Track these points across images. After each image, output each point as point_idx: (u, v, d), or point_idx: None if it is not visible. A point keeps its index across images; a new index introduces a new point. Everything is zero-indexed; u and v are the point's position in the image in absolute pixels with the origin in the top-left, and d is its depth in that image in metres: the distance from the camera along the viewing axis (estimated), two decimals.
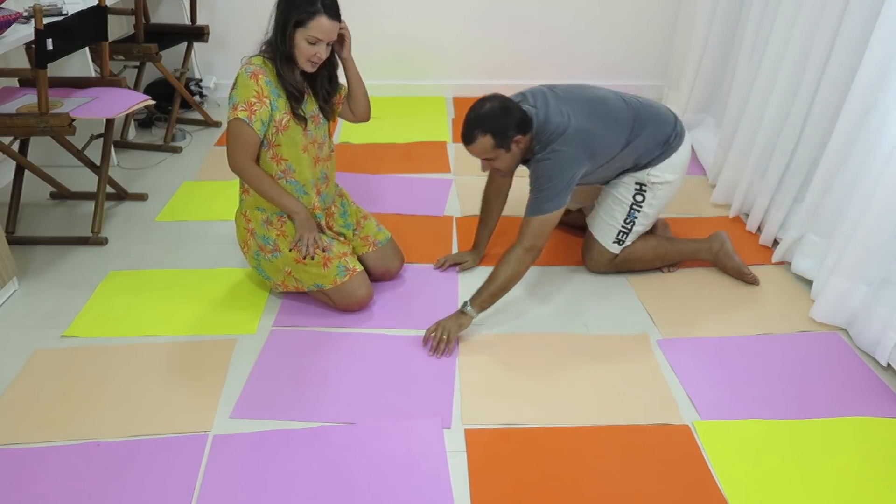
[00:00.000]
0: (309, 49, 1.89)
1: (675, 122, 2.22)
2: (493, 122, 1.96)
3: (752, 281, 2.33)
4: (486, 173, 2.29)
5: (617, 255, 2.29)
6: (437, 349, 1.97)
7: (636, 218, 2.23)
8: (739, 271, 2.34)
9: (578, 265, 2.42)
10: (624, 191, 2.22)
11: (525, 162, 2.12)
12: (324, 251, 2.05)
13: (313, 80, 2.05)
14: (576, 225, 2.57)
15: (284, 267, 2.10)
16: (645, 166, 2.19)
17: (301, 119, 2.00)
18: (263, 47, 1.97)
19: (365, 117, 2.20)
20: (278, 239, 2.08)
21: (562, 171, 2.00)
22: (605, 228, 2.27)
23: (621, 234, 2.25)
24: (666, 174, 2.19)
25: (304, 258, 2.02)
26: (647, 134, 2.15)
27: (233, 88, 1.95)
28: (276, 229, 2.08)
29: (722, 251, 2.35)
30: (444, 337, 1.98)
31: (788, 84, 2.41)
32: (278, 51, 1.92)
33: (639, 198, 2.21)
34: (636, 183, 2.21)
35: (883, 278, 2.01)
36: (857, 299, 2.06)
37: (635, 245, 2.30)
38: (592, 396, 1.85)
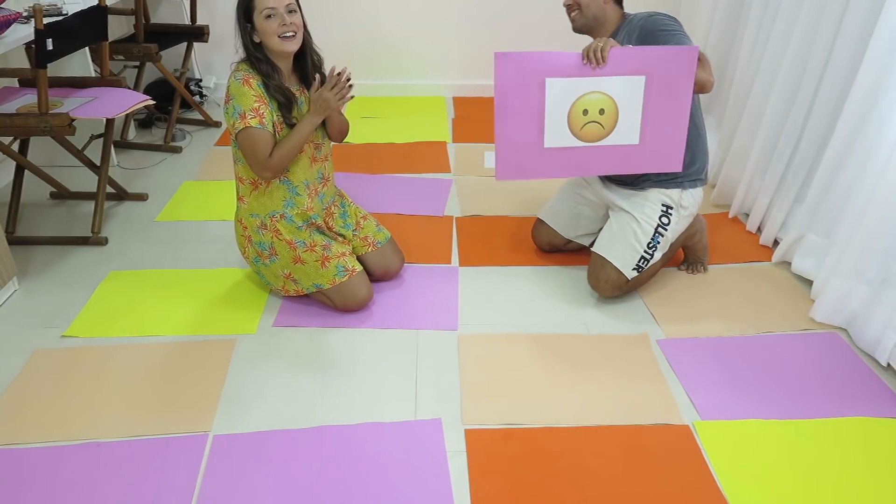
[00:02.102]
0: (271, 25, 1.88)
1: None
2: None
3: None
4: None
5: (630, 281, 2.19)
6: (591, 57, 1.89)
7: (658, 243, 2.15)
8: (699, 263, 2.39)
9: (578, 265, 2.42)
10: (650, 212, 2.15)
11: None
12: (348, 80, 1.98)
13: (304, 77, 2.05)
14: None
15: (283, 270, 2.10)
16: (680, 181, 2.16)
17: (289, 124, 2.00)
18: (246, 59, 1.97)
19: (337, 141, 2.21)
20: (274, 242, 2.07)
21: (678, 25, 2.00)
22: (626, 254, 2.16)
23: (642, 260, 2.16)
24: (691, 202, 2.18)
25: (348, 84, 1.97)
26: (702, 132, 2.18)
27: (229, 100, 1.94)
28: (271, 231, 2.07)
29: (700, 243, 2.34)
30: (600, 45, 1.89)
31: (788, 84, 2.41)
32: (256, 60, 1.93)
33: (664, 220, 2.15)
34: (663, 205, 2.15)
35: (883, 278, 2.01)
36: (857, 299, 2.06)
37: None
38: (592, 396, 1.85)
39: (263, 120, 1.91)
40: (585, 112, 1.99)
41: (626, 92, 1.96)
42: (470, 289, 2.31)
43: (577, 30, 2.18)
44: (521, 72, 1.97)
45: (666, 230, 2.16)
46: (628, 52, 1.92)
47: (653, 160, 2.04)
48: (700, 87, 1.96)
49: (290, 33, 1.92)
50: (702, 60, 1.94)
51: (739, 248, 2.57)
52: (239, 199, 2.12)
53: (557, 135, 2.02)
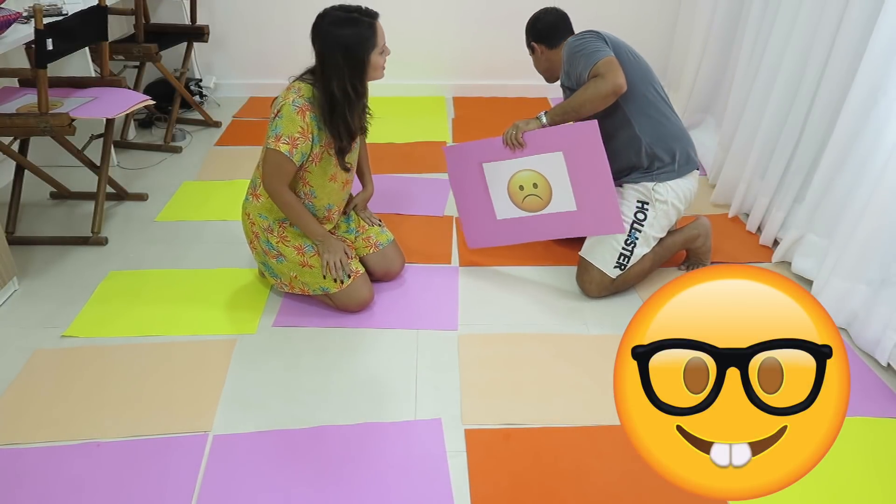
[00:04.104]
0: (382, 59, 1.98)
1: (693, 147, 2.25)
2: (527, 23, 2.38)
3: None
4: None
5: (615, 279, 2.22)
6: (509, 143, 2.15)
7: (637, 239, 2.17)
8: (700, 264, 2.38)
9: (577, 265, 2.42)
10: (626, 210, 2.17)
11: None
12: (350, 276, 2.06)
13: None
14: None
15: (290, 272, 2.10)
16: (653, 174, 2.17)
17: (344, 170, 2.05)
18: (327, 96, 1.94)
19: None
20: (279, 245, 2.08)
21: (581, 41, 2.12)
22: (606, 253, 2.19)
23: (622, 257, 2.18)
24: (671, 195, 2.17)
25: (336, 281, 2.05)
26: (668, 122, 2.18)
27: (277, 116, 1.93)
28: (277, 236, 2.08)
29: (703, 247, 2.34)
30: (514, 132, 2.14)
31: (788, 84, 2.40)
32: (344, 96, 1.92)
33: (640, 216, 2.17)
34: (638, 201, 2.17)
35: (883, 278, 2.01)
36: (857, 299, 2.06)
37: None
38: (592, 396, 1.85)
39: (294, 150, 1.92)
40: (521, 188, 2.24)
41: (551, 167, 2.15)
42: (470, 289, 2.31)
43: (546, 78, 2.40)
44: (464, 160, 2.28)
45: (642, 226, 2.17)
46: (539, 133, 2.13)
47: (595, 224, 2.19)
48: (611, 97, 2.03)
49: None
50: (602, 74, 2.01)
51: (739, 248, 2.57)
52: (255, 195, 2.10)
53: (505, 208, 2.30)
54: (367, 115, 2.14)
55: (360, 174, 2.33)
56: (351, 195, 2.31)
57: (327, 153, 2.01)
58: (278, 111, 1.93)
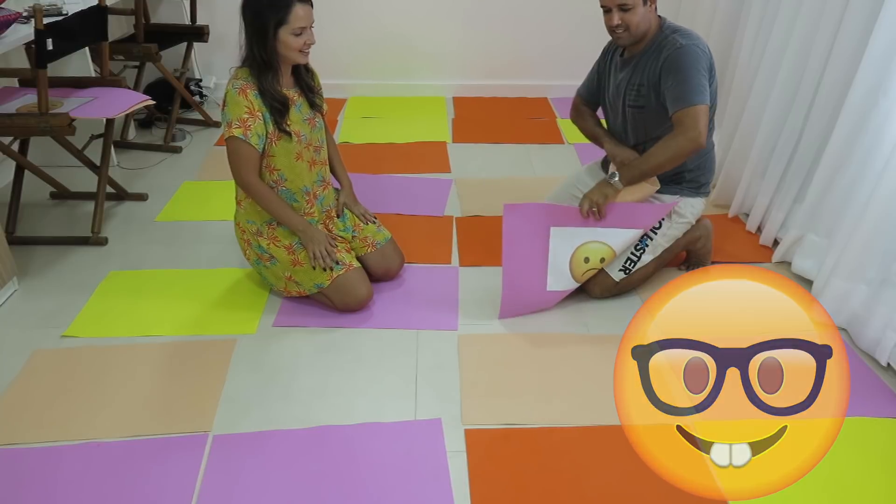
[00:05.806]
0: (298, 41, 1.92)
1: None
2: None
3: None
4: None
5: (619, 282, 2.21)
6: (591, 216, 2.04)
7: (647, 245, 2.16)
8: (700, 265, 2.36)
9: None
10: None
11: (626, 61, 2.14)
12: (337, 263, 2.06)
13: (298, 78, 2.07)
14: None
15: (284, 273, 2.10)
16: (679, 189, 2.18)
17: (286, 134, 2.00)
18: (248, 62, 1.97)
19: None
20: (270, 247, 2.08)
21: (697, 64, 1.97)
22: None
23: (629, 262, 2.17)
24: (689, 211, 2.18)
25: (326, 270, 2.05)
26: (712, 153, 2.20)
27: (224, 105, 1.97)
28: (267, 238, 2.09)
29: (704, 248, 2.34)
30: (595, 209, 2.02)
31: (788, 84, 2.40)
32: (257, 62, 1.94)
33: (655, 224, 2.16)
34: None
35: (883, 278, 2.01)
36: (857, 299, 2.06)
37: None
38: (592, 396, 1.85)
39: (248, 132, 1.93)
40: (587, 260, 2.11)
41: (623, 243, 2.09)
42: (470, 289, 2.31)
43: (622, 46, 2.14)
44: (528, 221, 2.06)
45: (655, 233, 2.16)
46: (626, 207, 2.05)
47: None
48: (692, 155, 1.99)
49: (308, 49, 1.97)
50: (686, 128, 1.93)
51: (739, 248, 2.57)
52: (239, 203, 2.12)
53: (560, 279, 2.13)
54: (318, 97, 2.13)
55: (334, 171, 2.29)
56: (337, 191, 2.31)
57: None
58: (224, 101, 1.96)
